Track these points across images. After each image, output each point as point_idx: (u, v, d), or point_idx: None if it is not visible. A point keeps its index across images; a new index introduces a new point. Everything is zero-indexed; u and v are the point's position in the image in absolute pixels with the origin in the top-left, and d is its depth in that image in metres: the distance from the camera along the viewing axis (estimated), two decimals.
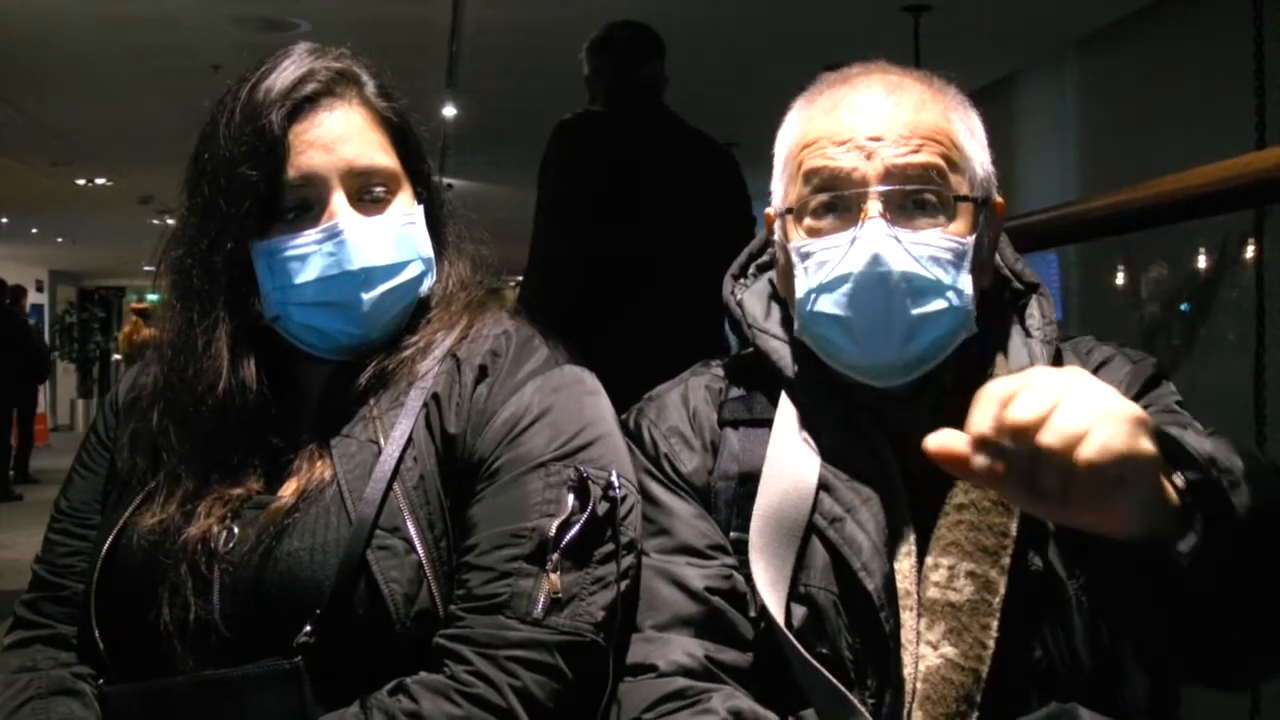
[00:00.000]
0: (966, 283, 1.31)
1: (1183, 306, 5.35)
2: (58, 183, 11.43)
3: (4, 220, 14.57)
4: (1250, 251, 4.57)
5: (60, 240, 17.18)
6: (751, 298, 1.46)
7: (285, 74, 1.37)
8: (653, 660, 1.28)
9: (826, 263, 1.31)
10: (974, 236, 1.32)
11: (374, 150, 1.40)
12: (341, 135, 1.38)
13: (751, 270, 1.52)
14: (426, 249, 1.44)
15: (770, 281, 1.48)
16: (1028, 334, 1.38)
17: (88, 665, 1.39)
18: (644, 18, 3.82)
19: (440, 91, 7.36)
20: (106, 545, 1.36)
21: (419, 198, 1.45)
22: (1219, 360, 4.80)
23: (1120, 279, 5.72)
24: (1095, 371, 1.36)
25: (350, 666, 1.26)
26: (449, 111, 7.85)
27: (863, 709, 1.23)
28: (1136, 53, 5.75)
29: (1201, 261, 5.19)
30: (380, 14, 5.83)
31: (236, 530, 1.32)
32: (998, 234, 1.41)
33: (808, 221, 1.34)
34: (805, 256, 1.33)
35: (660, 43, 3.71)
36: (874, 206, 1.29)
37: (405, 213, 1.42)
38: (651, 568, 1.34)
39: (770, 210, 1.43)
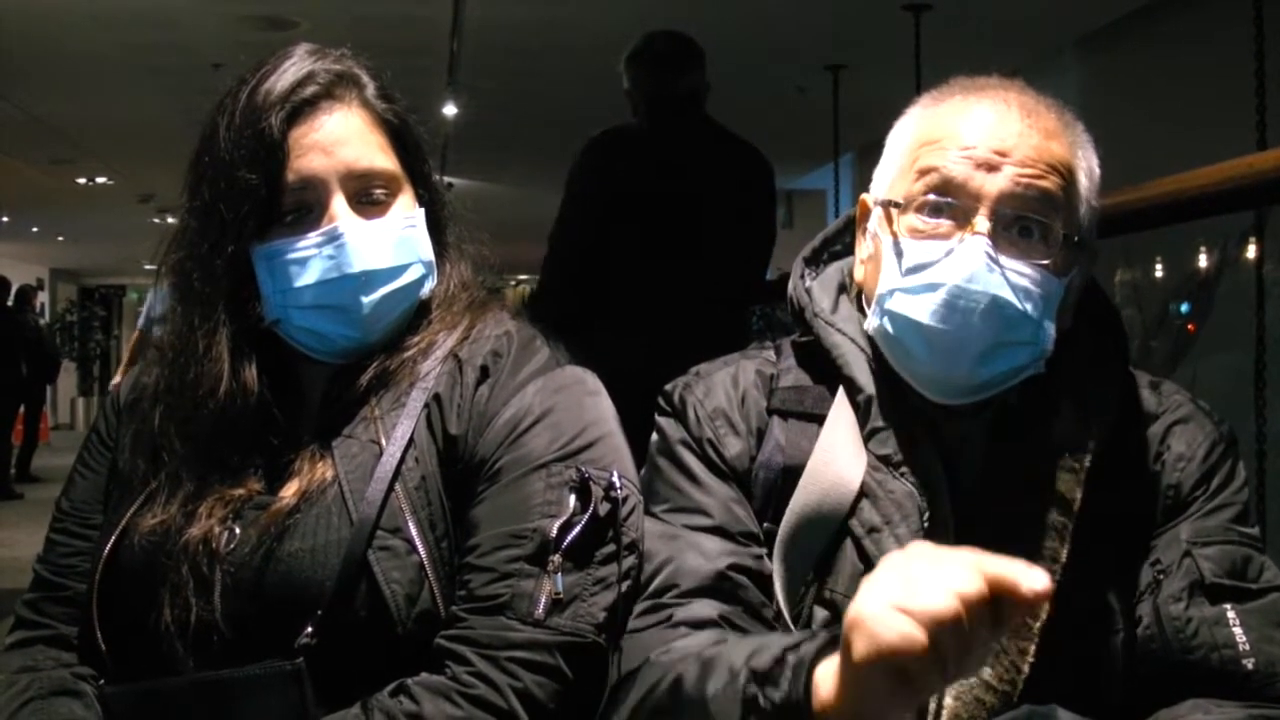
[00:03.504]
0: (1050, 322, 1.28)
1: (1183, 306, 5.35)
2: (58, 181, 11.43)
3: (5, 219, 14.56)
4: (1250, 251, 4.58)
5: (61, 239, 17.18)
6: (820, 288, 1.42)
7: (285, 76, 1.37)
8: (669, 613, 1.27)
9: (920, 266, 1.27)
10: (1068, 278, 1.30)
11: (374, 152, 1.39)
12: (341, 137, 1.37)
13: (824, 257, 1.48)
14: (427, 251, 1.43)
15: (841, 270, 1.44)
16: (1099, 364, 1.36)
17: (89, 666, 1.39)
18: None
19: (441, 90, 7.36)
20: (108, 546, 1.36)
21: (420, 200, 1.45)
22: (1219, 359, 4.80)
23: (1121, 278, 5.72)
24: (1171, 427, 1.34)
25: (352, 667, 1.26)
26: (450, 110, 7.84)
27: None
28: (1137, 52, 5.75)
29: (1202, 261, 5.19)
30: (381, 12, 5.83)
31: (238, 531, 1.31)
32: (1087, 278, 1.38)
33: (910, 219, 1.30)
34: (900, 254, 1.29)
35: (700, 51, 3.67)
36: (982, 223, 1.25)
37: (406, 215, 1.41)
38: (681, 540, 1.32)
39: (867, 197, 1.39)
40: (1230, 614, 1.24)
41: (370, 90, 1.42)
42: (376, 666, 1.26)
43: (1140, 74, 5.69)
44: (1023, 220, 1.27)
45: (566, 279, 3.60)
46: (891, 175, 1.36)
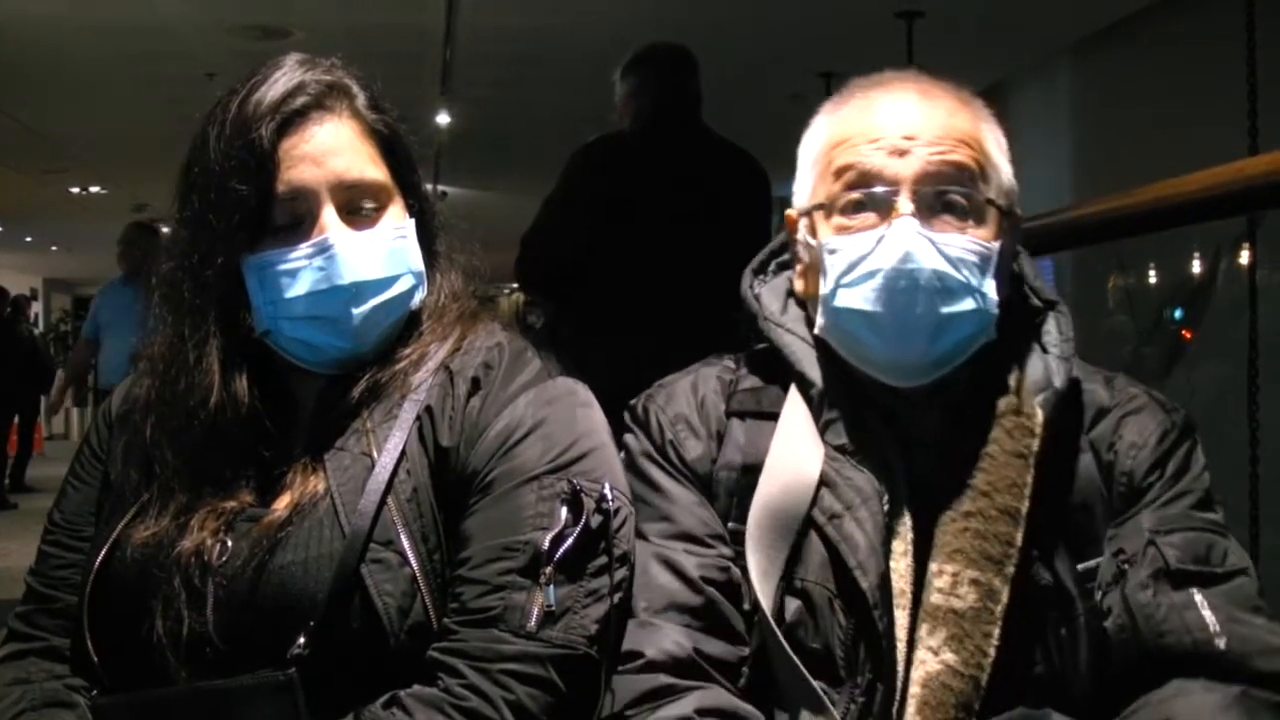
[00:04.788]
0: (991, 287, 1.32)
1: (1176, 312, 5.36)
2: (52, 191, 11.41)
3: None
4: (1244, 256, 4.58)
5: (55, 248, 17.15)
6: (769, 293, 1.47)
7: (275, 87, 1.37)
8: (641, 647, 1.28)
9: (856, 259, 1.31)
10: (999, 243, 1.34)
11: (364, 163, 1.39)
12: (332, 148, 1.37)
13: (772, 267, 1.52)
14: (418, 262, 1.43)
15: (788, 278, 1.48)
16: (1044, 350, 1.38)
17: (81, 677, 1.39)
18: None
19: (435, 99, 7.36)
20: (100, 558, 1.35)
21: (410, 210, 1.45)
22: (1212, 364, 4.81)
23: (1114, 284, 5.73)
24: (1124, 418, 1.36)
25: (344, 679, 1.26)
26: (443, 119, 7.85)
27: (832, 710, 1.24)
28: (1130, 58, 5.76)
29: (1195, 266, 5.19)
30: (375, 22, 5.82)
31: (230, 543, 1.31)
32: (1018, 244, 1.42)
33: (837, 219, 1.35)
34: (833, 253, 1.34)
35: (697, 61, 3.69)
36: (905, 205, 1.30)
37: (396, 226, 1.41)
38: (650, 552, 1.34)
39: (792, 211, 1.43)
40: (1198, 598, 1.25)
41: (361, 100, 1.42)
42: (369, 678, 1.26)
43: (1132, 80, 5.70)
44: (944, 195, 1.31)
45: (539, 280, 3.64)
46: (811, 183, 1.41)
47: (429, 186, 1.51)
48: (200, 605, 1.29)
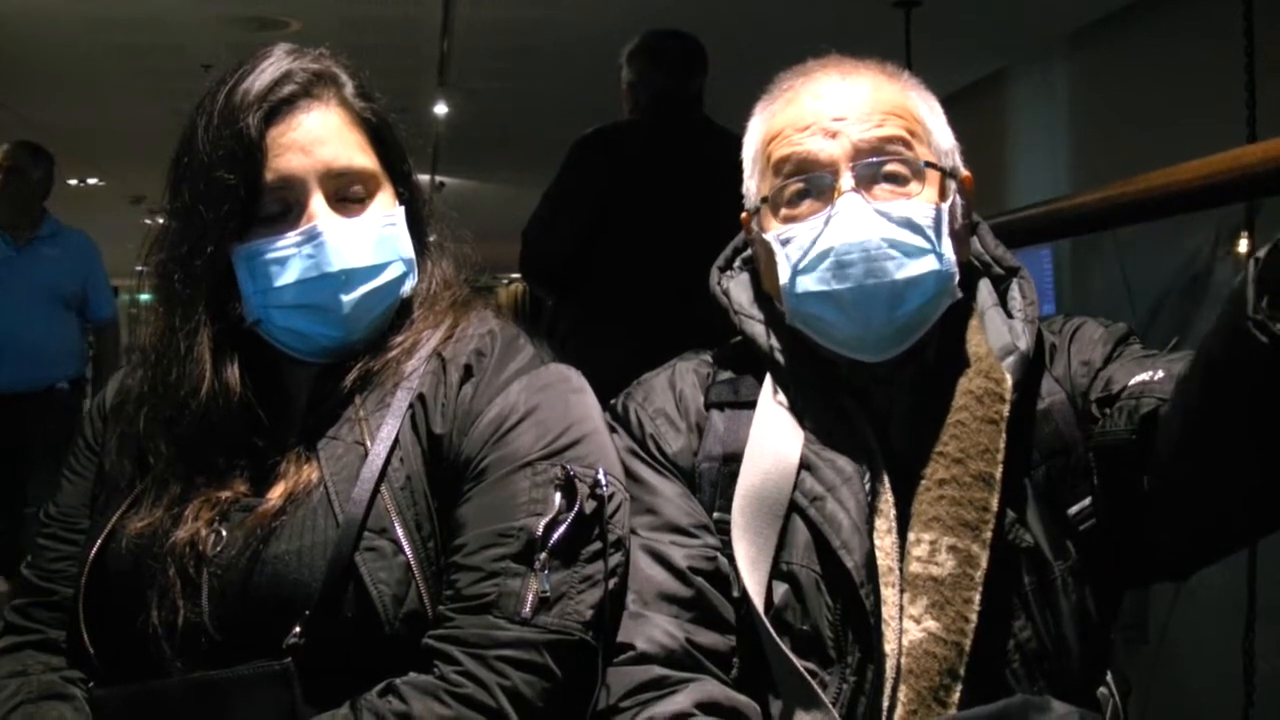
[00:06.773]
0: (947, 246, 1.34)
1: (1177, 302, 5.35)
2: None
3: None
4: (1242, 245, 4.58)
5: None
6: (737, 287, 1.50)
7: (262, 76, 1.37)
8: (632, 639, 1.29)
9: (808, 243, 1.34)
10: (947, 204, 1.35)
11: (352, 151, 1.40)
12: (319, 137, 1.37)
13: (737, 264, 1.55)
14: (408, 250, 1.44)
15: (755, 272, 1.50)
16: (1009, 315, 1.40)
17: (78, 669, 1.39)
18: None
19: (432, 90, 7.35)
20: (95, 550, 1.36)
21: (400, 198, 1.45)
22: None
23: (1113, 272, 5.72)
24: (1071, 337, 1.41)
25: (340, 667, 1.26)
26: (441, 110, 7.84)
27: (824, 698, 1.25)
28: (1128, 48, 5.75)
29: (1194, 255, 5.19)
30: (371, 13, 5.81)
31: (224, 533, 1.31)
32: (970, 207, 1.44)
33: (784, 211, 1.38)
34: (786, 242, 1.36)
35: (705, 56, 3.67)
36: (847, 181, 1.33)
37: (385, 214, 1.41)
38: (637, 544, 1.35)
39: (744, 213, 1.47)
40: (1146, 373, 1.28)
41: (349, 89, 1.43)
42: (365, 666, 1.26)
43: (1131, 69, 5.69)
44: (882, 166, 1.34)
45: (541, 274, 3.63)
46: (755, 182, 1.45)
47: (426, 177, 1.51)
48: (195, 595, 1.29)
